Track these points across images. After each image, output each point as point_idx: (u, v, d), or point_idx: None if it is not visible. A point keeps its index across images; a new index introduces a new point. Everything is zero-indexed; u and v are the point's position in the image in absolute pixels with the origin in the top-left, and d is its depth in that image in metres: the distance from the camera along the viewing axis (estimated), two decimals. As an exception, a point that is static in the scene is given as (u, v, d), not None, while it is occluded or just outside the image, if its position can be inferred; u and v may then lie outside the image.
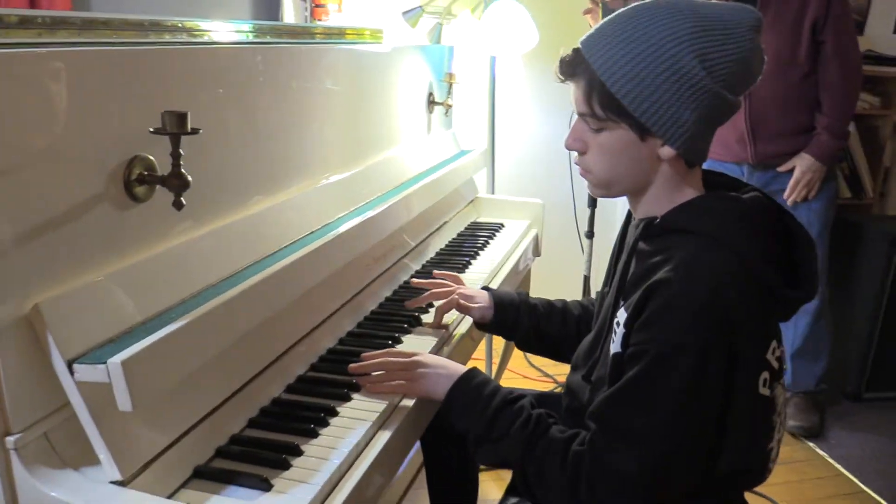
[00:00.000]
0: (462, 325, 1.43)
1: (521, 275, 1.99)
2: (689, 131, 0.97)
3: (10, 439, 0.77)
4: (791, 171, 2.35)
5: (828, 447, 2.43)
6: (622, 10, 1.00)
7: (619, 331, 1.02)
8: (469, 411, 1.07)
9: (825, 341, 2.50)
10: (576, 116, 1.05)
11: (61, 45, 0.97)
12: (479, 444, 1.06)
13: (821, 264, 2.42)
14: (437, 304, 1.39)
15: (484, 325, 1.38)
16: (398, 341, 1.31)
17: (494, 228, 2.06)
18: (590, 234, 2.29)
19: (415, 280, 1.50)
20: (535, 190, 2.27)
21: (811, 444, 2.45)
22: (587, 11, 2.36)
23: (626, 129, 0.99)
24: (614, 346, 1.02)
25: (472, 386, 1.09)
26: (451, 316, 1.40)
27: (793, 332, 2.50)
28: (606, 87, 0.97)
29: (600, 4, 2.30)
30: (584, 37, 1.02)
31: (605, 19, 1.02)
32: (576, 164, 1.08)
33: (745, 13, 0.98)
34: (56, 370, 0.79)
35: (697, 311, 0.93)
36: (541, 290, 2.47)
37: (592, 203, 2.22)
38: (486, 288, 1.43)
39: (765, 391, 0.99)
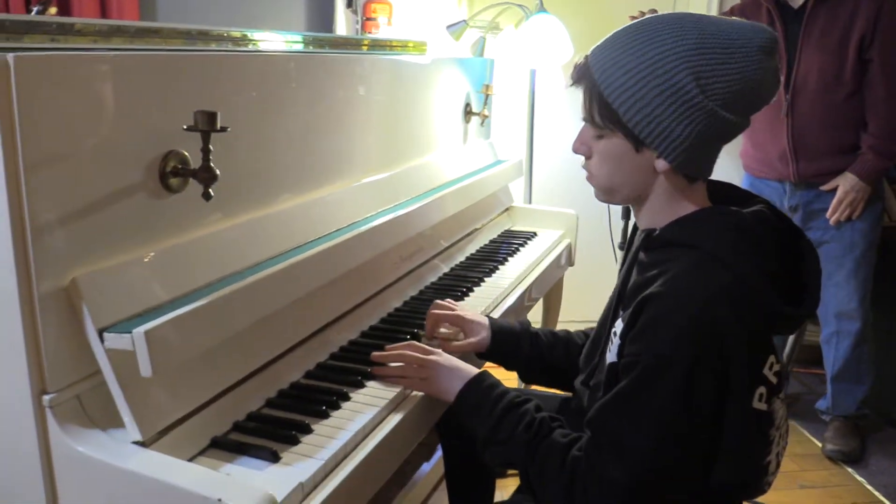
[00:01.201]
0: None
1: (550, 283, 2.03)
2: (683, 146, 0.99)
3: (46, 398, 0.87)
4: (835, 190, 2.33)
5: (868, 473, 2.37)
6: (634, 21, 1.04)
7: (615, 340, 1.05)
8: (477, 412, 1.12)
9: (867, 365, 2.45)
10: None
11: (112, 51, 1.08)
12: (486, 445, 1.11)
13: (865, 286, 2.38)
14: (432, 311, 1.38)
15: (482, 353, 1.38)
16: (416, 338, 1.37)
17: (527, 237, 2.11)
18: (623, 246, 2.30)
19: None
20: (570, 200, 2.30)
21: (850, 470, 2.39)
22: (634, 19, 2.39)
23: (621, 138, 1.02)
24: (610, 356, 1.06)
25: (481, 388, 1.14)
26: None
27: (833, 354, 2.46)
28: (604, 97, 1.00)
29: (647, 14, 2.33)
30: (595, 46, 1.05)
31: (617, 29, 1.05)
32: (582, 167, 1.12)
33: (755, 33, 0.98)
34: (89, 338, 0.88)
35: (686, 325, 0.95)
36: (574, 299, 2.50)
37: (626, 215, 2.24)
38: (488, 317, 1.40)
39: (760, 406, 1.00)
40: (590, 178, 1.11)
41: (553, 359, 1.35)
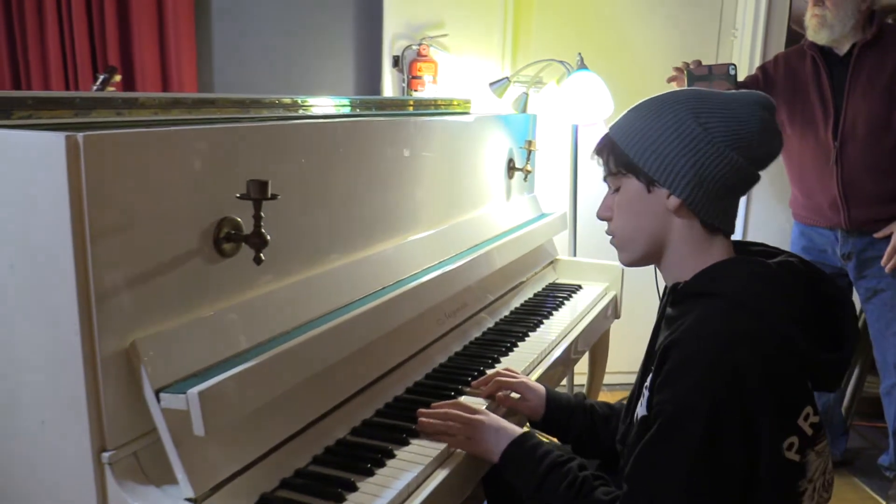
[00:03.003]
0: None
1: (596, 336, 2.03)
2: (688, 178, 1.03)
3: (105, 455, 0.91)
4: (888, 238, 2.28)
5: (937, 534, 2.26)
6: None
7: (645, 393, 1.06)
8: (522, 472, 1.14)
9: (929, 418, 2.36)
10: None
11: (173, 123, 1.16)
12: (531, 501, 1.13)
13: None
14: (498, 378, 1.39)
15: (535, 423, 1.39)
16: (460, 394, 1.39)
17: (572, 290, 2.11)
18: (669, 298, 2.29)
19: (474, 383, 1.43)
20: (615, 253, 2.31)
21: (918, 530, 2.29)
22: (672, 79, 2.42)
23: (633, 179, 1.08)
24: (641, 409, 1.07)
25: (526, 447, 1.16)
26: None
27: (895, 407, 2.37)
28: (618, 146, 1.08)
29: (685, 72, 2.35)
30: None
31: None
32: (606, 233, 1.16)
33: (749, 94, 1.08)
34: (146, 398, 0.92)
35: (706, 369, 0.95)
36: (621, 351, 2.48)
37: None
38: (545, 387, 1.41)
39: (792, 456, 0.99)
40: (613, 240, 1.15)
41: (607, 432, 1.33)
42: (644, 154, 1.06)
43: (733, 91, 1.09)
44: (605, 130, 1.15)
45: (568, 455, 1.15)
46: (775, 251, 1.13)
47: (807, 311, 1.02)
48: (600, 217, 1.15)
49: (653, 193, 1.07)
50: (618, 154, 1.09)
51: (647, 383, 1.06)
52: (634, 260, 1.14)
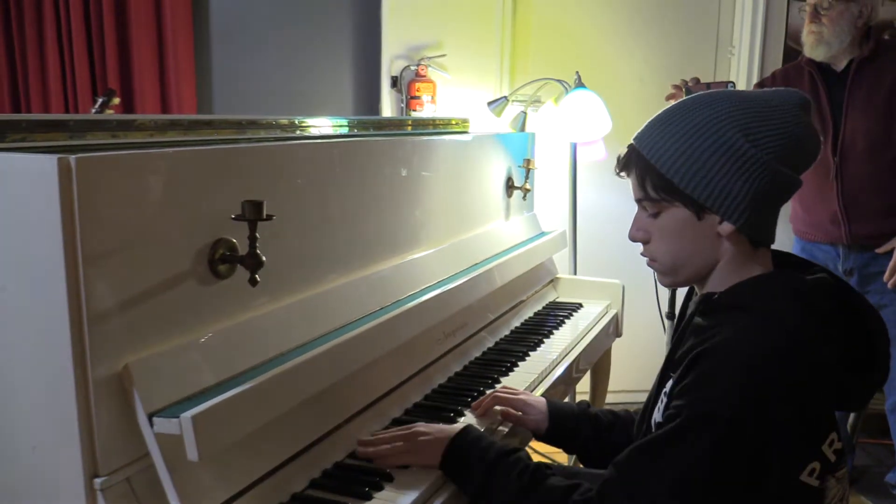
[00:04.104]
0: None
1: (597, 354, 2.01)
2: (744, 204, 0.98)
3: (97, 480, 0.89)
4: (890, 253, 2.26)
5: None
6: (669, 105, 1.07)
7: (663, 399, 1.04)
8: (466, 468, 1.10)
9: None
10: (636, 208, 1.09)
11: (169, 145, 1.15)
12: (476, 498, 1.09)
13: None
14: (497, 395, 1.37)
15: (541, 437, 1.36)
16: (460, 415, 1.37)
17: (573, 308, 2.10)
18: (670, 315, 2.28)
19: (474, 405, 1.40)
20: (616, 270, 2.30)
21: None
22: (670, 97, 2.42)
23: (681, 207, 1.02)
24: (657, 415, 1.04)
25: (468, 440, 1.13)
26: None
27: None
28: (657, 169, 1.01)
29: (683, 90, 2.36)
30: (637, 132, 1.08)
31: (655, 115, 1.08)
32: (642, 255, 1.10)
33: (789, 94, 1.01)
34: (139, 422, 0.91)
35: (734, 383, 0.93)
36: (623, 369, 2.46)
37: (673, 284, 2.22)
38: (546, 399, 1.40)
39: (811, 481, 0.96)
40: (651, 263, 1.09)
41: (613, 440, 1.30)
42: (693, 180, 0.98)
43: (768, 92, 1.02)
44: (632, 143, 1.07)
45: (512, 445, 1.12)
46: (805, 262, 1.11)
47: (841, 331, 0.99)
48: (633, 239, 1.09)
49: (703, 220, 1.01)
50: (657, 178, 1.01)
51: (667, 389, 1.03)
52: (680, 284, 1.10)
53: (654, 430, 1.04)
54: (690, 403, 0.95)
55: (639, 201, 1.07)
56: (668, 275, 1.09)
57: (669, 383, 1.04)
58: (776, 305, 0.97)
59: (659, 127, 1.03)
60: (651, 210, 1.05)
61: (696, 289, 1.12)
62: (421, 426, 1.19)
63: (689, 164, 0.98)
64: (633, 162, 1.05)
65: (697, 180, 0.98)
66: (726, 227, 1.00)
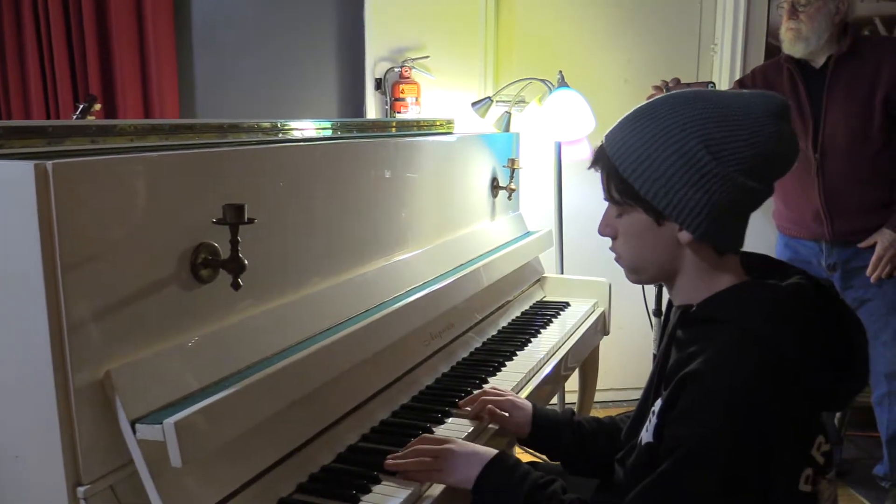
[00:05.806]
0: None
1: (585, 352, 2.02)
2: (702, 216, 0.98)
3: (80, 489, 0.88)
4: (873, 247, 2.28)
5: (935, 544, 2.24)
6: (643, 103, 1.06)
7: (653, 420, 1.02)
8: (500, 495, 1.09)
9: (924, 427, 2.35)
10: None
11: (149, 150, 1.14)
12: None
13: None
14: (484, 398, 1.37)
15: (523, 440, 1.36)
16: (448, 415, 1.37)
17: (560, 307, 2.10)
18: (657, 312, 2.28)
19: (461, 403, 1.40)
20: (602, 268, 2.29)
21: (915, 540, 2.27)
22: (651, 97, 2.43)
23: (641, 213, 1.02)
24: (647, 435, 1.03)
25: (502, 469, 1.11)
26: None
27: (887, 416, 2.36)
28: (619, 172, 1.01)
29: (664, 90, 2.37)
30: (609, 129, 1.07)
31: (628, 112, 1.08)
32: (610, 249, 1.11)
33: (764, 99, 0.99)
34: (122, 429, 0.90)
35: (728, 407, 0.91)
36: (611, 367, 2.47)
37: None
38: (532, 404, 1.38)
39: (806, 487, 0.96)
40: (618, 259, 1.09)
41: (596, 448, 1.30)
42: (652, 188, 0.98)
43: (745, 95, 1.00)
44: (601, 141, 1.06)
45: (548, 476, 1.10)
46: (780, 265, 1.10)
47: (819, 337, 0.98)
48: (602, 234, 1.10)
49: (663, 226, 1.01)
50: (620, 182, 1.02)
51: (656, 409, 1.02)
52: (644, 282, 1.11)
53: (643, 448, 1.03)
54: (687, 436, 0.93)
55: (606, 200, 1.08)
56: (632, 272, 1.10)
57: (659, 402, 1.03)
58: (753, 321, 0.97)
59: (627, 127, 1.02)
60: (616, 211, 1.06)
61: (667, 291, 1.11)
62: (453, 445, 1.16)
63: (650, 172, 0.99)
64: (602, 161, 1.06)
65: (657, 189, 0.99)
66: (685, 236, 1.00)
